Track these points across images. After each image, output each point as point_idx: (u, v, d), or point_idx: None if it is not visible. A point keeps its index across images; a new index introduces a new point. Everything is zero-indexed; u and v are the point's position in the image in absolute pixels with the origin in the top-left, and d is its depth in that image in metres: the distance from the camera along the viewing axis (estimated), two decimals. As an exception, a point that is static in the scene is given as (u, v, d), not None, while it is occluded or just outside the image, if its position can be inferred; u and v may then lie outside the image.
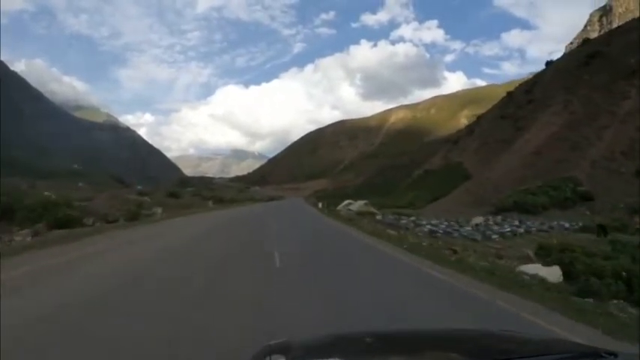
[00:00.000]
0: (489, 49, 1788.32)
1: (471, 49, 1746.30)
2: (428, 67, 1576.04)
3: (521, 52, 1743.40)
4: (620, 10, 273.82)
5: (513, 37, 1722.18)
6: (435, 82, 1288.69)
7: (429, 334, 2.25)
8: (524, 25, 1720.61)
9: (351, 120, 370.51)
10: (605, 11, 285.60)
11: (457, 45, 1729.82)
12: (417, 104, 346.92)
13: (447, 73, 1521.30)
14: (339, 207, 66.85)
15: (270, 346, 1.69)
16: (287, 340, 1.73)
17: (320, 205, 68.38)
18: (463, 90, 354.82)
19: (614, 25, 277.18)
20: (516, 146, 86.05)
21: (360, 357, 1.70)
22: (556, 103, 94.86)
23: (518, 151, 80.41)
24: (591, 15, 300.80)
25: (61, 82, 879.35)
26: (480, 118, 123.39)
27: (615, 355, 1.54)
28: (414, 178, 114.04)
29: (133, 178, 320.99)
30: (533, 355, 1.59)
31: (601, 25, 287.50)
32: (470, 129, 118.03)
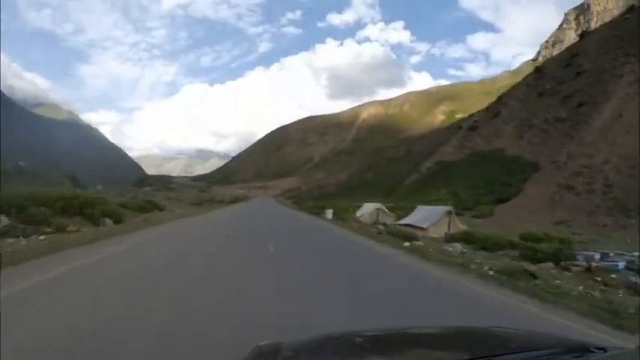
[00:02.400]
0: (455, 51, 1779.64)
1: (436, 51, 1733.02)
2: (394, 67, 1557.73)
3: (486, 55, 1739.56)
4: (598, 8, 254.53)
5: (478, 40, 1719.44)
6: (401, 82, 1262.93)
7: (418, 333, 2.09)
8: (490, 28, 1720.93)
9: (320, 116, 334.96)
10: (582, 10, 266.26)
11: (423, 46, 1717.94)
12: (390, 100, 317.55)
13: (412, 74, 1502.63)
14: (360, 216, 34.22)
15: (260, 347, 1.63)
16: (277, 341, 1.66)
17: (329, 214, 34.68)
18: (436, 87, 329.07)
19: (592, 24, 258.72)
20: (598, 123, 56.20)
21: (350, 357, 1.64)
22: (630, 72, 66.20)
23: (617, 129, 49.97)
24: (567, 14, 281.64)
25: (22, 79, 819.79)
26: (501, 98, 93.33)
27: (604, 349, 1.47)
28: (424, 171, 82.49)
29: (93, 178, 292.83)
30: (521, 350, 1.52)
31: (578, 24, 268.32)
32: (494, 111, 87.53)
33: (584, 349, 1.49)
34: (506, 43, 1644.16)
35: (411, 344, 1.82)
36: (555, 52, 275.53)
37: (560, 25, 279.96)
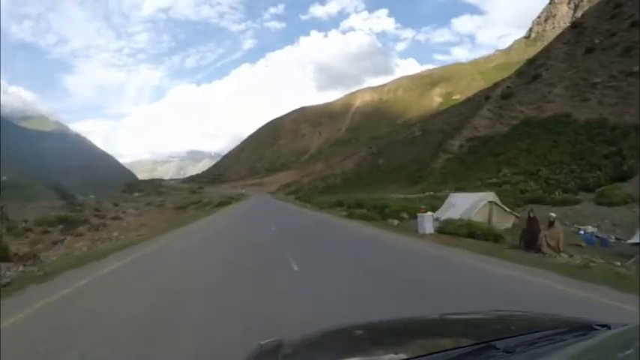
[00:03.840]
0: (440, 36, 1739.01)
1: (421, 37, 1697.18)
2: (380, 55, 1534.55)
3: (471, 38, 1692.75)
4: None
5: (463, 23, 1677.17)
6: (388, 70, 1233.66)
7: (420, 322, 2.02)
8: (474, 10, 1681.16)
9: (312, 106, 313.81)
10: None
11: (408, 33, 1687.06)
12: (382, 86, 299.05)
13: (399, 61, 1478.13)
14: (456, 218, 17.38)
15: (262, 345, 1.60)
16: (279, 339, 1.63)
17: (427, 225, 15.80)
18: (428, 70, 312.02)
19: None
20: None
21: (351, 350, 1.58)
22: None
23: None
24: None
25: (7, 93, 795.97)
26: (533, 61, 77.40)
27: (608, 326, 1.43)
28: (456, 150, 66.42)
29: (85, 187, 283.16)
30: (525, 332, 1.47)
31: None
32: (531, 75, 71.55)
33: (588, 327, 1.45)
34: (491, 24, 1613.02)
35: (413, 333, 1.74)
36: (548, 27, 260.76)
37: (552, 0, 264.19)
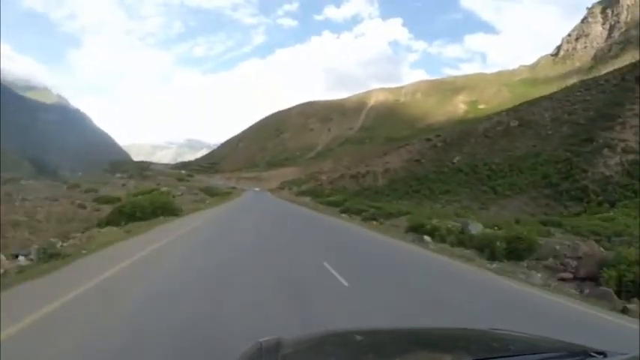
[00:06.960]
0: (452, 51, 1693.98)
1: (433, 50, 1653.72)
2: (390, 63, 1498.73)
3: (483, 56, 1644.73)
4: (628, 2, 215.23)
5: (476, 40, 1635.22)
6: (397, 78, 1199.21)
7: (418, 333, 2.00)
8: (489, 29, 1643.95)
9: (322, 101, 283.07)
10: (609, 3, 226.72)
11: (420, 45, 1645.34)
12: (400, 88, 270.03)
13: (408, 70, 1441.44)
14: None
15: (260, 343, 1.53)
16: (278, 338, 1.57)
17: None
18: (449, 77, 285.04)
19: (622, 17, 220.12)
20: None
21: (350, 355, 1.54)
22: None
23: None
24: (590, 8, 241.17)
25: (13, 60, 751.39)
26: None
27: (604, 354, 1.39)
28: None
29: (79, 164, 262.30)
30: (521, 353, 1.45)
31: (605, 17, 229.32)
32: None
33: (584, 353, 1.40)
34: (505, 44, 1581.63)
35: (410, 344, 1.69)
36: (579, 45, 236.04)
37: (584, 19, 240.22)
